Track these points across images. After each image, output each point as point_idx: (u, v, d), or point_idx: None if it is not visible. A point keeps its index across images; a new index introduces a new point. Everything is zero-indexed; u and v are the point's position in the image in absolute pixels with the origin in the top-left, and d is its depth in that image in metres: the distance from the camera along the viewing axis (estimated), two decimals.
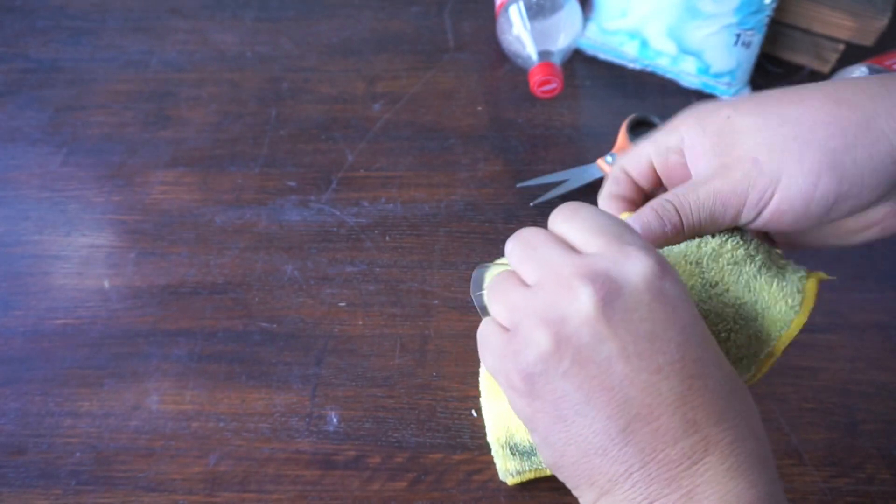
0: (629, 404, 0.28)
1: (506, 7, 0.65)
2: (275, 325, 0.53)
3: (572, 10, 0.64)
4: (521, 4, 0.64)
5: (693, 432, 0.28)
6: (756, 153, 0.32)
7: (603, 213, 0.32)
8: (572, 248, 0.31)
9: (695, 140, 0.35)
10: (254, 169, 0.63)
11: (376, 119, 0.66)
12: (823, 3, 0.62)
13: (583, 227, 0.31)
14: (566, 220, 0.32)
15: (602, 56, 0.70)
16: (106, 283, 0.56)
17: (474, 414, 0.49)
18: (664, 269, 0.29)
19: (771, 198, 0.32)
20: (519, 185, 0.60)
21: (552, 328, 0.29)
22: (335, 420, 0.49)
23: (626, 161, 0.39)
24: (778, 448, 0.46)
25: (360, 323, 0.53)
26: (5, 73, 0.71)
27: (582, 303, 0.29)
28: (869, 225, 0.35)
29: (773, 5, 0.61)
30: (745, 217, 0.34)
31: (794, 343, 0.49)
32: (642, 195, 0.39)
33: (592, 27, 0.68)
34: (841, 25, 0.63)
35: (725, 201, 0.33)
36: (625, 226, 0.31)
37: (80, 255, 0.58)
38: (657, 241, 0.35)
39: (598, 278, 0.29)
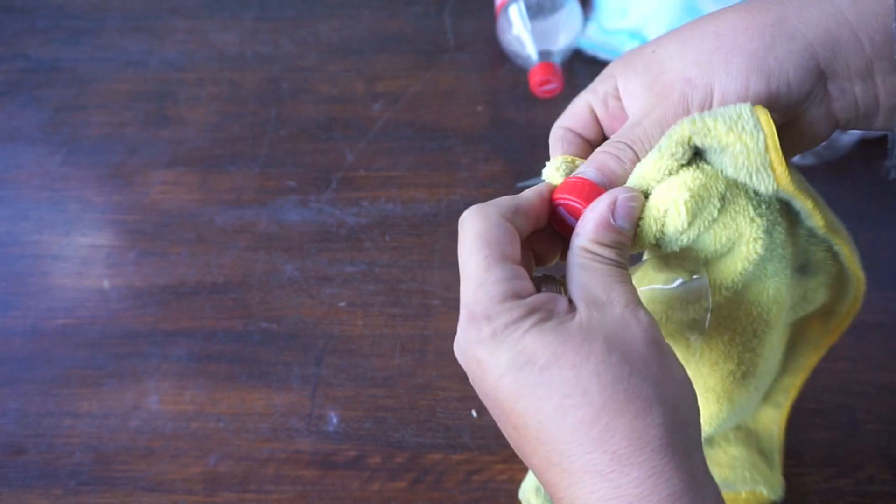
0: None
1: (506, 7, 0.65)
2: (275, 325, 0.53)
3: (572, 10, 0.64)
4: (521, 4, 0.64)
5: (557, 471, 0.28)
6: (686, 73, 0.33)
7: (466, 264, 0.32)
8: None
9: (628, 80, 0.36)
10: (254, 169, 0.63)
11: (376, 119, 0.66)
12: None
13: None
14: None
15: (602, 56, 0.70)
16: (106, 283, 0.56)
17: (474, 414, 0.49)
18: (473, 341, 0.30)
19: (710, 109, 0.33)
20: (519, 185, 0.60)
21: None
22: (335, 420, 0.49)
23: (567, 118, 0.39)
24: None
25: (360, 323, 0.53)
26: (5, 73, 0.71)
27: None
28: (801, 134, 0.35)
29: None
30: None
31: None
32: (589, 150, 0.39)
33: (592, 27, 0.68)
34: None
35: (672, 125, 0.34)
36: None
37: (79, 255, 0.58)
38: (619, 179, 0.35)
39: None
